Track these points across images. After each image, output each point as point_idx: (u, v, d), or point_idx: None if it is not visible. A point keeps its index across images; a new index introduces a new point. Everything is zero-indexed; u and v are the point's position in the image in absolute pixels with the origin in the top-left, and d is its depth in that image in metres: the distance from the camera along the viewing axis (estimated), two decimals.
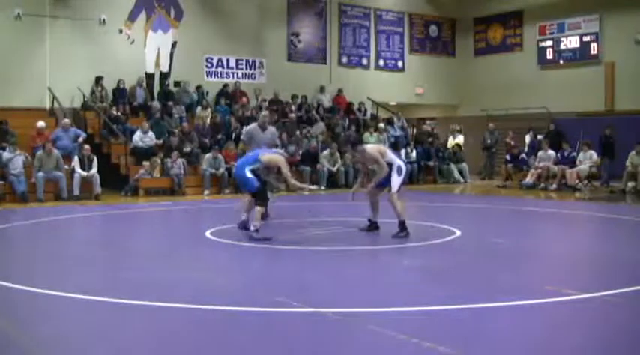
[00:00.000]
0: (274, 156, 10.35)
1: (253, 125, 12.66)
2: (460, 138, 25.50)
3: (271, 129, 12.68)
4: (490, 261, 8.75)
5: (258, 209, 10.01)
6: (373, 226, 10.86)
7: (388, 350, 4.98)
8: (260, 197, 10.07)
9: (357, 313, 5.99)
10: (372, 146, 11.13)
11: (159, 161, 18.57)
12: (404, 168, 10.45)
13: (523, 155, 22.24)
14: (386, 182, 10.38)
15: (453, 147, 24.53)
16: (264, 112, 14.32)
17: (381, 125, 24.09)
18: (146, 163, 18.41)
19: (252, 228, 9.93)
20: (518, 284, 7.20)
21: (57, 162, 16.99)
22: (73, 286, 7.13)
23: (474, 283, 7.30)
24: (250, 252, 9.45)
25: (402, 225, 10.20)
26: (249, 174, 9.92)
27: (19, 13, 19.93)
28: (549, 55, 26.10)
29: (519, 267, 8.36)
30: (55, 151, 17.18)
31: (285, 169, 10.16)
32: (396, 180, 10.28)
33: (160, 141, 19.62)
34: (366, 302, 6.40)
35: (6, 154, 16.62)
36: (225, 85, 23.32)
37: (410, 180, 22.47)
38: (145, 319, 5.96)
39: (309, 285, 7.26)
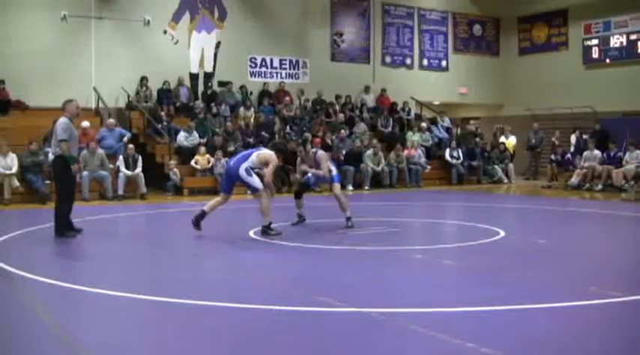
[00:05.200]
0: (266, 153, 10.76)
1: (65, 120, 11.08)
2: (513, 140, 25.24)
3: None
4: (534, 262, 8.67)
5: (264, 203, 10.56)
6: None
7: (431, 351, 4.97)
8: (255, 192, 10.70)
9: (401, 313, 5.98)
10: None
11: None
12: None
13: (568, 155, 22.00)
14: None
15: (503, 147, 24.17)
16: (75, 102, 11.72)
17: (424, 124, 23.96)
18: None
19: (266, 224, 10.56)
20: (562, 286, 7.13)
21: (101, 162, 17.21)
22: (118, 284, 7.24)
23: (517, 284, 7.25)
24: (293, 251, 9.51)
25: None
26: (242, 172, 10.52)
27: (64, 15, 20.22)
28: (595, 54, 25.72)
29: (563, 268, 8.26)
30: (100, 150, 17.40)
31: (271, 169, 10.59)
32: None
33: (204, 141, 19.75)
34: (409, 303, 6.39)
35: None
36: (265, 83, 23.47)
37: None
38: (186, 318, 6.01)
39: (353, 285, 7.25)
